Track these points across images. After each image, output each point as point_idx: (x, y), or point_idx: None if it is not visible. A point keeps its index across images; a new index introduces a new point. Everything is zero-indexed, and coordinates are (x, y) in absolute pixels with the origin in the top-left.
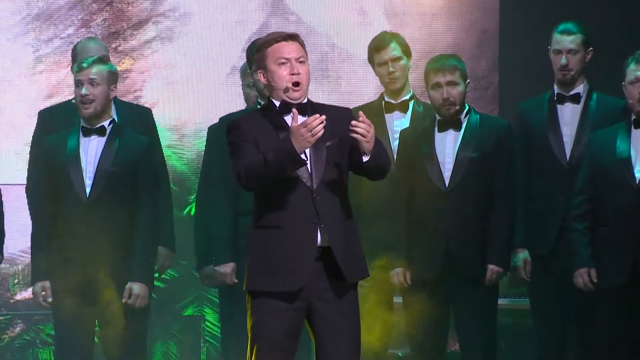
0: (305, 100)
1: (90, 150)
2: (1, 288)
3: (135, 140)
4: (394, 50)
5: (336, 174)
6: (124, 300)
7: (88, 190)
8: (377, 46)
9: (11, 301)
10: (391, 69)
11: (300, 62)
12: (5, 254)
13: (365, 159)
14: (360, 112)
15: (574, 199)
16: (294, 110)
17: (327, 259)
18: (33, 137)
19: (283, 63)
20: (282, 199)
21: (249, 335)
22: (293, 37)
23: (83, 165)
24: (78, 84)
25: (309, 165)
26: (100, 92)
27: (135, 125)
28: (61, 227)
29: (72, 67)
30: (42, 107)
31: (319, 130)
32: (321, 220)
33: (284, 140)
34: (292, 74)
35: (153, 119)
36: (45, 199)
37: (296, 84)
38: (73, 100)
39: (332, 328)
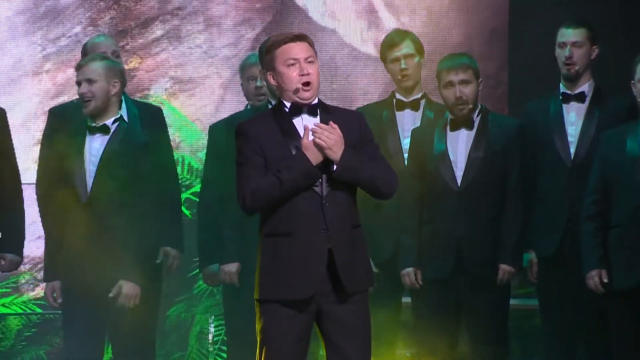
0: (316, 101)
1: (94, 149)
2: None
3: (139, 139)
4: (407, 47)
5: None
6: (110, 295)
7: (89, 188)
8: (390, 43)
9: (31, 303)
10: (403, 66)
11: (310, 62)
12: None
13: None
14: (331, 122)
15: (585, 199)
16: (306, 125)
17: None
18: (43, 135)
19: (292, 64)
20: (291, 207)
21: (258, 338)
22: (301, 37)
23: (86, 164)
24: (78, 83)
25: None
26: (98, 88)
27: (146, 124)
28: (69, 226)
29: None
30: (49, 106)
31: (333, 137)
32: (328, 226)
33: (299, 158)
34: (302, 75)
35: (164, 118)
36: (51, 198)
37: (306, 83)
38: (77, 97)
39: (342, 329)
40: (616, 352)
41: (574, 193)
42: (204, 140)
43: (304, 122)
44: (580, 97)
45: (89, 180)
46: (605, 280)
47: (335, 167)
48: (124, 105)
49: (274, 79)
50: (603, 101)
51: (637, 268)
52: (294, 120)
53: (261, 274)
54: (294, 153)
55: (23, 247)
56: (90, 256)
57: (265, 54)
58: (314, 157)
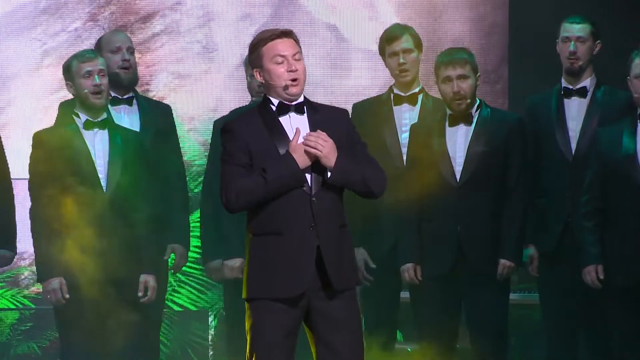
0: (302, 99)
1: (97, 144)
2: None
3: (133, 134)
4: (405, 42)
5: None
6: (140, 294)
7: (104, 183)
8: (388, 37)
9: (20, 296)
10: (402, 61)
11: (297, 59)
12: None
13: (328, 174)
14: (319, 131)
15: (582, 196)
16: (298, 128)
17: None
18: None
19: (280, 61)
20: (280, 205)
21: (248, 337)
22: (287, 33)
23: (93, 158)
24: (87, 74)
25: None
26: (107, 82)
27: (157, 122)
28: (75, 221)
29: None
30: (49, 101)
31: (327, 144)
32: (316, 223)
33: (286, 160)
34: (290, 71)
35: (173, 116)
36: (49, 194)
37: (294, 80)
38: (85, 90)
39: (331, 324)
40: (617, 347)
41: (575, 188)
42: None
43: (291, 120)
44: (582, 92)
45: (102, 175)
46: (601, 277)
47: (329, 173)
48: (135, 101)
49: (260, 76)
50: (605, 96)
51: (635, 265)
52: (281, 119)
53: (250, 272)
54: (280, 151)
55: (15, 242)
56: (109, 250)
57: (252, 52)
58: (302, 160)
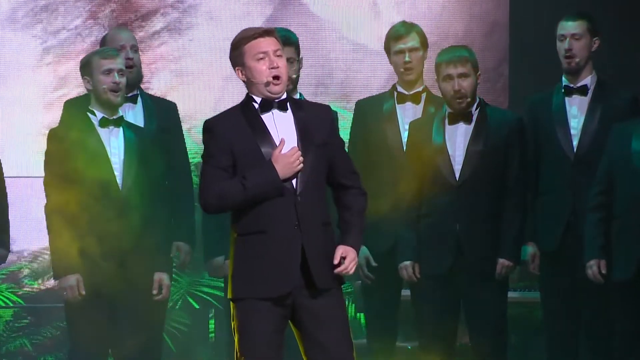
0: (285, 96)
1: (113, 142)
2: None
3: (144, 132)
4: (412, 40)
5: (317, 177)
6: (154, 292)
7: (120, 181)
8: (395, 35)
9: (19, 293)
10: (407, 59)
11: (278, 55)
12: (16, 248)
13: None
14: (346, 252)
15: (590, 191)
16: (283, 139)
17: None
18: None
19: (261, 58)
20: (265, 204)
21: (235, 337)
22: (269, 32)
23: (109, 156)
24: (107, 71)
25: None
26: (125, 82)
27: (162, 119)
28: (90, 219)
29: None
30: (50, 99)
31: (354, 259)
32: (300, 222)
33: (267, 169)
34: (272, 68)
35: (178, 113)
36: (65, 191)
37: (276, 77)
38: (104, 87)
39: (319, 322)
40: (617, 347)
41: (576, 187)
42: None
43: (274, 118)
44: (583, 90)
45: (117, 173)
46: (604, 271)
47: None
48: (140, 99)
49: (242, 74)
50: (605, 94)
51: (635, 259)
52: (264, 116)
53: (235, 272)
54: (262, 150)
55: (9, 240)
56: (124, 248)
57: (234, 50)
58: (283, 171)
